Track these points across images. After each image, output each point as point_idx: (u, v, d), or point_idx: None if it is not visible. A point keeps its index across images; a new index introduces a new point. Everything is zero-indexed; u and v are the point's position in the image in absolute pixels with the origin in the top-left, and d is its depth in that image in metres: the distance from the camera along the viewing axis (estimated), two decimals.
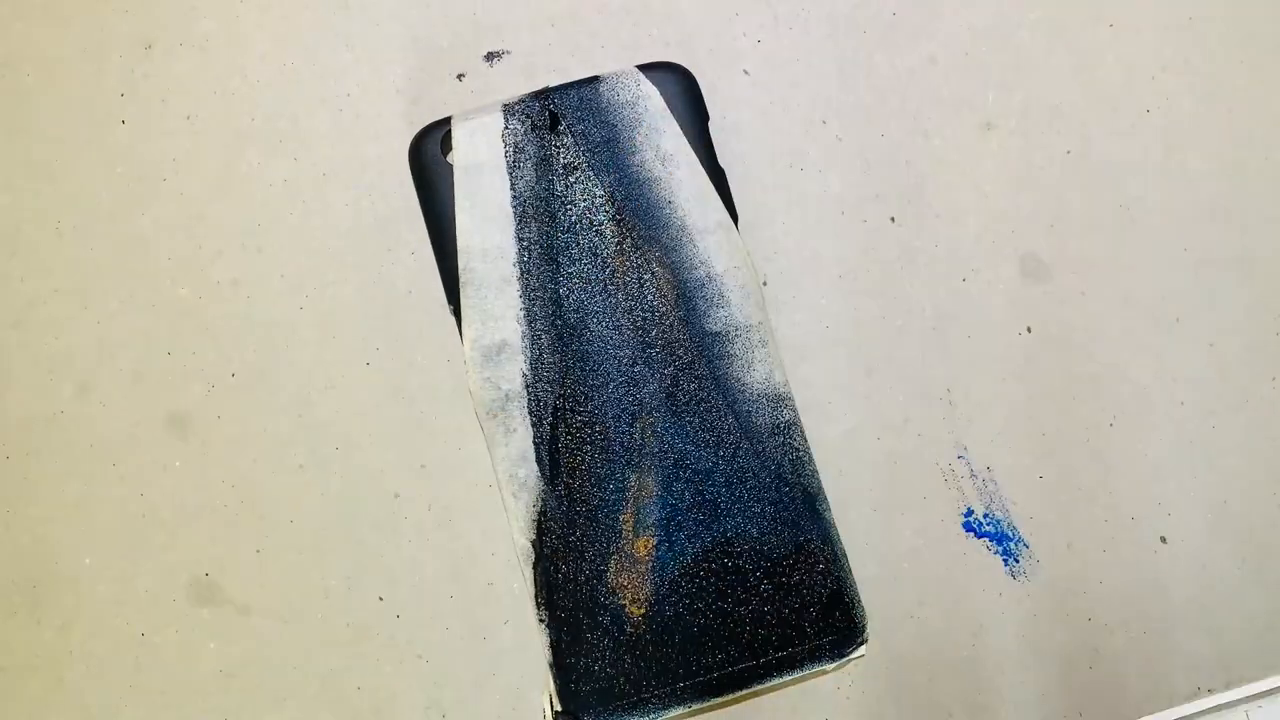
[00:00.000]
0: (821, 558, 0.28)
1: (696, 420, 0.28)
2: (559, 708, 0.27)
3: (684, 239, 0.29)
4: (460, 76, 0.31)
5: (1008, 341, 0.30)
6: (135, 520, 0.29)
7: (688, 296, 0.29)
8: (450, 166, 0.29)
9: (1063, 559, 0.29)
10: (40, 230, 0.30)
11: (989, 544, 0.29)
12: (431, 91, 0.31)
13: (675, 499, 0.28)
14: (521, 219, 0.29)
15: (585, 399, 0.28)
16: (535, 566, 0.28)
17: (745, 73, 0.31)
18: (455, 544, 0.29)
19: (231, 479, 0.29)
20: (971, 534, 0.29)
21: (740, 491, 0.28)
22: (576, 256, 0.29)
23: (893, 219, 0.30)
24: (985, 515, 0.29)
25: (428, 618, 0.29)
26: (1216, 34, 0.31)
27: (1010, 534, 0.29)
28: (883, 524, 0.29)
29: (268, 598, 0.29)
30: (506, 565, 0.29)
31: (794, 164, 0.30)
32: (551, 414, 0.28)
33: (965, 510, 0.29)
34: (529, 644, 0.29)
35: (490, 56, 0.31)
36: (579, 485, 0.28)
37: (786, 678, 0.27)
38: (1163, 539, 0.29)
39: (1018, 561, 0.29)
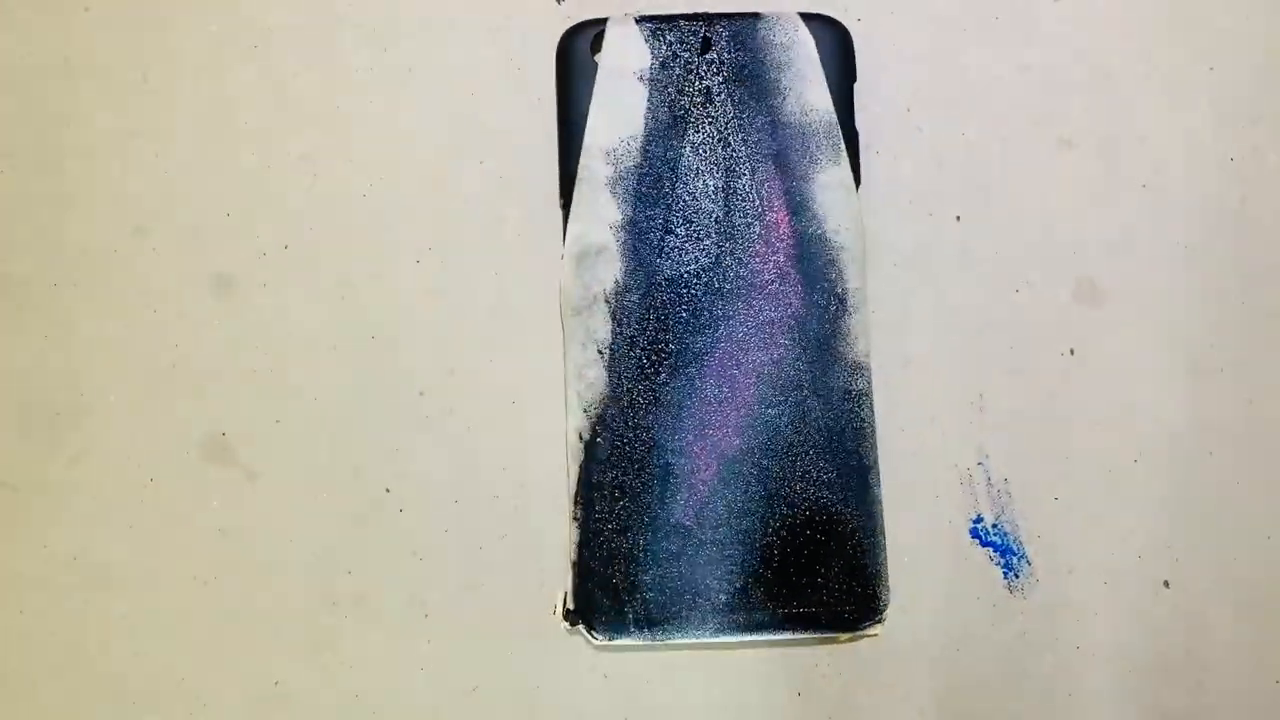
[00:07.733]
0: (862, 529, 0.28)
1: (773, 365, 0.28)
2: (570, 606, 0.27)
3: (805, 189, 0.29)
4: None
5: (1049, 359, 0.30)
6: (165, 368, 0.30)
7: (795, 245, 0.29)
8: (595, 66, 0.29)
9: (1062, 583, 0.29)
10: (128, 75, 0.31)
11: (992, 554, 0.29)
12: (527, 6, 0.31)
13: (736, 434, 0.28)
14: (651, 132, 0.29)
15: (668, 317, 0.28)
16: (582, 466, 0.28)
17: None
18: (469, 452, 0.30)
19: (265, 346, 0.30)
20: (977, 541, 0.29)
21: (800, 445, 0.28)
22: (695, 179, 0.29)
23: (958, 218, 0.30)
24: (994, 525, 0.29)
25: (429, 518, 0.29)
26: None
27: (1015, 548, 0.29)
28: (891, 512, 0.28)
29: (278, 468, 0.29)
30: (514, 482, 0.29)
31: (869, 145, 0.30)
32: (634, 325, 0.28)
33: (975, 516, 0.29)
34: (523, 561, 0.29)
35: None
36: (641, 397, 0.28)
37: (799, 635, 0.27)
38: (1165, 583, 0.29)
39: (1017, 577, 0.29)
